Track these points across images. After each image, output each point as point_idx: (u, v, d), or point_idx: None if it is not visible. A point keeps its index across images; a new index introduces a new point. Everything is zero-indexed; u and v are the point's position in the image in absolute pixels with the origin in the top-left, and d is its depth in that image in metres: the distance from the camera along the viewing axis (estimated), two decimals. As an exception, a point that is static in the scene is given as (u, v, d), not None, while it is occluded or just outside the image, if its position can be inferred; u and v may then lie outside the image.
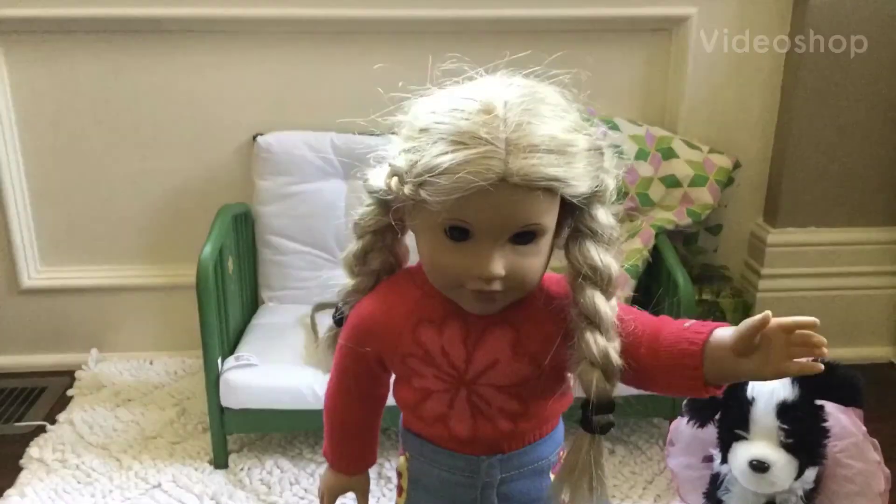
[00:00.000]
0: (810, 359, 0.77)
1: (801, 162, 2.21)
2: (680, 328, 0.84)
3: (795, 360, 0.76)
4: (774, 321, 0.76)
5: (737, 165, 2.17)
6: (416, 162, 0.79)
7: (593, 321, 0.83)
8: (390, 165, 0.84)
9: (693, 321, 0.85)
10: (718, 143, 2.19)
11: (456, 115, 0.78)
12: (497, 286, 0.81)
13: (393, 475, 1.73)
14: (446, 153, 0.76)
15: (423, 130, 0.80)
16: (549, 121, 0.78)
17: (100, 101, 2.12)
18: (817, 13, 2.07)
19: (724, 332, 0.80)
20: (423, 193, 0.78)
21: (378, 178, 0.87)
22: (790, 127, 2.19)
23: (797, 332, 0.76)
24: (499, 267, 0.80)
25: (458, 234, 0.80)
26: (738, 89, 2.22)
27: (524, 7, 2.08)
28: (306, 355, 1.85)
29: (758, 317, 0.76)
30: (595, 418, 0.84)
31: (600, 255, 0.83)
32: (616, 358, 0.83)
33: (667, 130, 2.17)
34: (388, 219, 0.88)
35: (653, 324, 0.86)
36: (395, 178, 0.83)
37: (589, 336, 0.82)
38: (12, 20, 2.02)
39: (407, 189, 0.80)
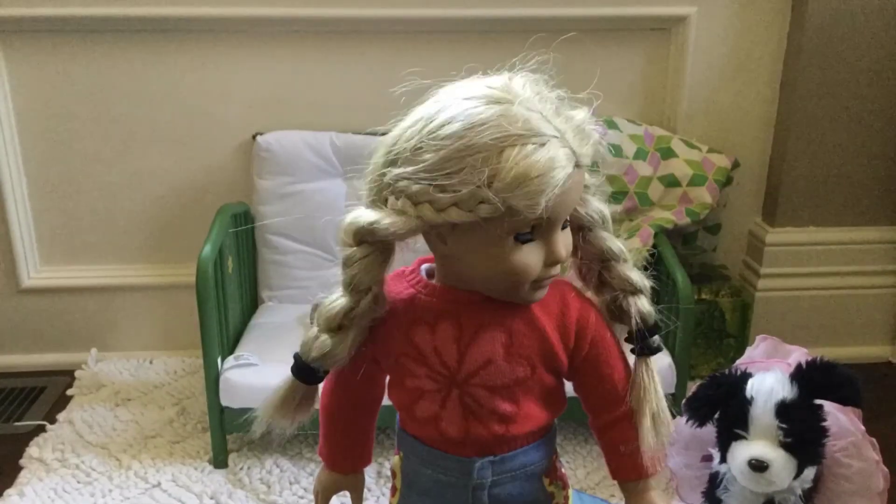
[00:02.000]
0: None
1: (800, 161, 2.21)
2: (622, 452, 0.94)
3: None
4: None
5: (735, 165, 2.17)
6: (494, 177, 0.75)
7: (634, 289, 0.90)
8: (433, 202, 0.77)
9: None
10: (717, 143, 2.20)
11: (506, 122, 0.76)
12: (557, 270, 0.85)
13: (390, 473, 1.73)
14: (527, 156, 0.75)
15: (463, 149, 0.76)
16: (561, 106, 0.82)
17: (99, 101, 2.12)
18: (816, 13, 2.07)
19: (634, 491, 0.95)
20: (515, 205, 0.76)
21: (386, 218, 0.80)
22: (789, 126, 2.19)
23: None
24: (565, 251, 0.84)
25: (528, 234, 0.81)
26: (737, 89, 2.22)
27: (523, 7, 2.07)
28: (306, 355, 1.84)
29: None
30: (648, 341, 0.91)
31: (610, 238, 0.90)
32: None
33: (666, 130, 2.17)
34: (389, 262, 0.85)
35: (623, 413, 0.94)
36: (452, 209, 0.77)
37: (632, 301, 0.90)
38: (11, 20, 2.02)
39: (483, 210, 0.76)
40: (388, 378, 0.97)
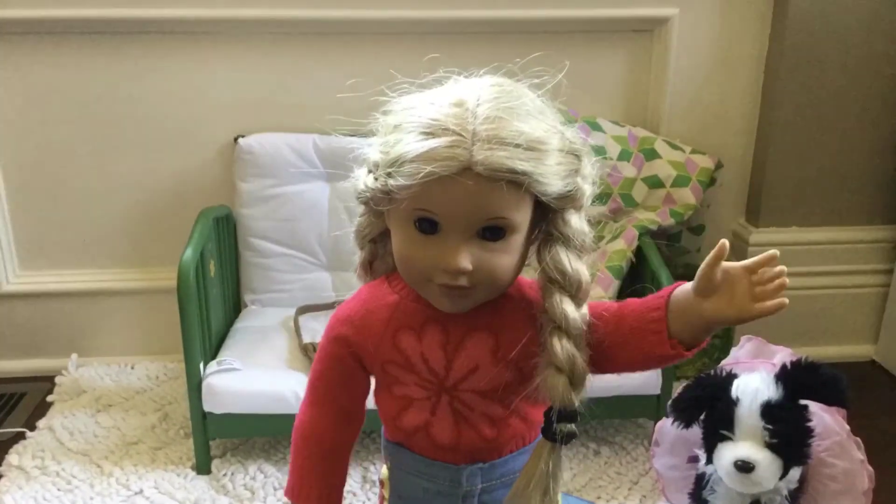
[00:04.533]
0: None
1: (783, 162, 2.22)
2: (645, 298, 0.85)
3: (759, 303, 0.78)
4: (737, 263, 0.79)
5: (719, 166, 2.18)
6: (387, 154, 0.79)
7: (560, 326, 0.82)
8: (365, 163, 0.85)
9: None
10: (701, 144, 2.20)
11: (428, 109, 0.79)
12: (464, 281, 0.80)
13: (377, 479, 1.72)
14: (414, 143, 0.77)
15: (396, 126, 0.80)
16: (523, 119, 0.78)
17: (79, 104, 2.10)
18: (798, 14, 2.08)
19: (688, 283, 0.82)
20: (390, 183, 0.78)
21: (359, 179, 0.86)
22: (772, 127, 2.20)
23: (760, 271, 0.78)
24: (465, 260, 0.79)
25: (427, 226, 0.80)
26: (720, 90, 2.22)
27: (507, 8, 2.07)
28: (290, 359, 1.83)
29: (715, 249, 0.77)
30: (557, 426, 0.83)
31: (570, 261, 0.82)
32: (582, 365, 0.82)
33: (649, 131, 2.17)
34: (383, 223, 0.88)
35: (619, 303, 0.87)
36: (369, 175, 0.83)
37: (556, 340, 0.82)
38: (-12, 22, 1.99)
39: (379, 181, 0.80)
40: (373, 385, 0.96)
